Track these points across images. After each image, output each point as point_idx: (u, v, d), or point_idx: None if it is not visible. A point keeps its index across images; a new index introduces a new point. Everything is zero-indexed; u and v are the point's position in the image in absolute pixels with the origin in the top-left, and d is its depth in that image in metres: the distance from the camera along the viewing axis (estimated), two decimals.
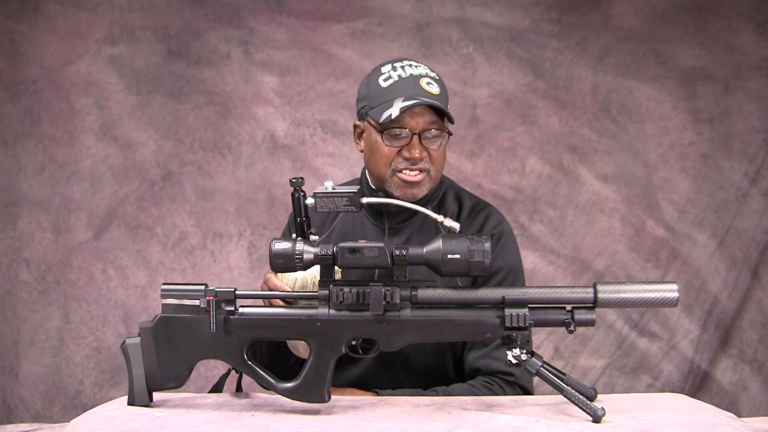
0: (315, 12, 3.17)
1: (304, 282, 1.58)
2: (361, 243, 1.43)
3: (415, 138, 1.71)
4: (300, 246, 1.44)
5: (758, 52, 3.12)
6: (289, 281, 1.59)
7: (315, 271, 1.56)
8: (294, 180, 1.53)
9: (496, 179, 3.16)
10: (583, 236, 3.15)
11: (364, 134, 1.79)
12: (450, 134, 1.76)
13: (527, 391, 1.74)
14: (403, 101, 1.68)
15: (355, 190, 1.49)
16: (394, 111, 1.67)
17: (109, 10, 3.14)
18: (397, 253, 1.42)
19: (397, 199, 1.71)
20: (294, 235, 1.53)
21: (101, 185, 3.15)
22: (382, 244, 1.42)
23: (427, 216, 1.78)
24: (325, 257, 1.43)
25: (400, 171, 1.72)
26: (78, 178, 3.15)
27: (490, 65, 3.16)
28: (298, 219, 1.53)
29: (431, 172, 1.74)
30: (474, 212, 1.83)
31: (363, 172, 1.87)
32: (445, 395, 1.67)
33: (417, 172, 1.73)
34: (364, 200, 1.51)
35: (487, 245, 1.39)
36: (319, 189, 1.50)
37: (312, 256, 1.44)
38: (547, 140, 3.16)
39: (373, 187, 1.81)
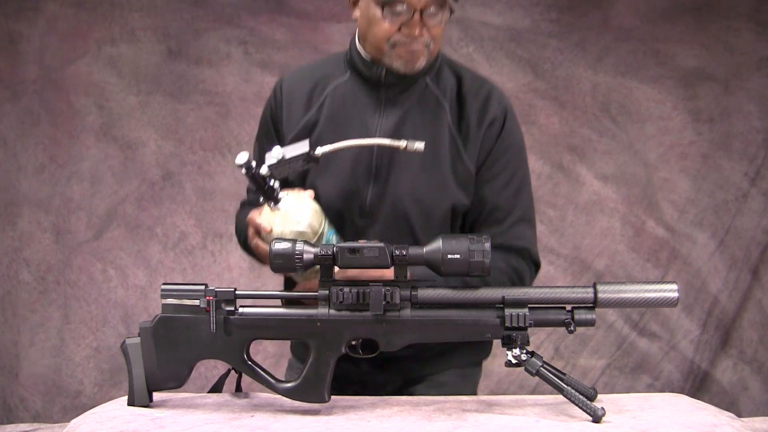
0: (315, 12, 3.17)
1: (302, 236, 1.53)
2: (361, 243, 1.42)
3: (417, 15, 1.64)
4: (300, 246, 1.43)
5: (758, 52, 3.12)
6: (285, 232, 1.54)
7: (310, 218, 1.55)
8: (242, 164, 1.48)
9: None
10: (583, 236, 3.15)
11: (360, 2, 1.72)
12: (453, 12, 1.69)
13: (538, 265, 1.74)
14: None
15: (306, 149, 1.51)
16: None
17: (109, 10, 3.14)
18: (397, 253, 1.42)
19: (396, 70, 1.68)
20: (266, 205, 1.54)
21: (101, 185, 3.15)
22: (382, 244, 1.42)
23: (426, 87, 1.73)
24: (324, 257, 1.43)
25: (400, 45, 1.66)
26: (78, 178, 3.15)
27: (490, 65, 3.16)
28: (266, 187, 1.52)
29: (431, 46, 1.69)
30: (474, 88, 1.77)
31: (352, 42, 1.78)
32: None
33: (416, 44, 1.67)
34: (319, 150, 1.52)
35: (487, 245, 1.39)
36: (270, 161, 1.50)
37: (312, 256, 1.44)
38: (547, 140, 3.16)
39: (365, 57, 1.74)
